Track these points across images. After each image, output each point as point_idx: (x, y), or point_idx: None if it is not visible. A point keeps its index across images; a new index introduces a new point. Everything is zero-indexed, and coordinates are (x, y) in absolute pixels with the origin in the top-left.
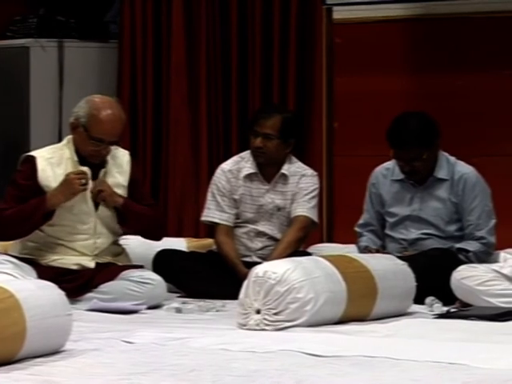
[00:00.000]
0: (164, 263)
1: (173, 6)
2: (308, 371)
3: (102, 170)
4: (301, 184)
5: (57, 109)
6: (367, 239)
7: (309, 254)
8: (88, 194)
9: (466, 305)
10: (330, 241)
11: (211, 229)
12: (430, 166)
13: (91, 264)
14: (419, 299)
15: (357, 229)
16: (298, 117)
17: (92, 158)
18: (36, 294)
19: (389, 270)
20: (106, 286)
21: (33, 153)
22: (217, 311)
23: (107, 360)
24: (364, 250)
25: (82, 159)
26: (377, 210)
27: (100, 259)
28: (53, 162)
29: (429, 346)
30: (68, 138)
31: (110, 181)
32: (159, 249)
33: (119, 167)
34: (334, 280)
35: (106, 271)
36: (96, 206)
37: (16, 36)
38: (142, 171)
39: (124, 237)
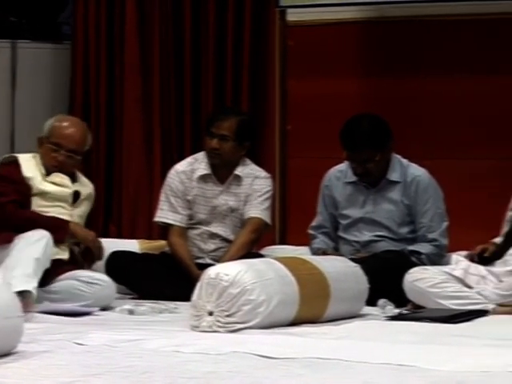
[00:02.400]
0: (117, 265)
1: (126, 6)
2: (260, 373)
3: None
4: (254, 186)
5: (9, 110)
6: (320, 241)
7: (262, 256)
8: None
9: (418, 307)
10: (282, 243)
11: (164, 230)
12: (383, 169)
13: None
14: (371, 301)
15: (310, 231)
16: (253, 119)
17: (53, 167)
18: None
19: (341, 271)
20: (55, 286)
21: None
22: (170, 313)
23: (59, 362)
24: (317, 251)
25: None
26: (330, 212)
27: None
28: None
29: (381, 347)
30: (33, 155)
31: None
32: (112, 250)
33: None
34: (287, 282)
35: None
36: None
37: None
38: (95, 172)
39: None
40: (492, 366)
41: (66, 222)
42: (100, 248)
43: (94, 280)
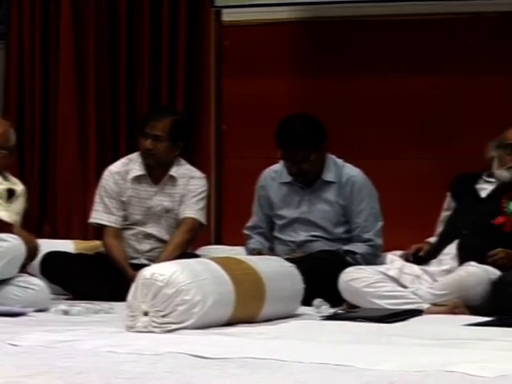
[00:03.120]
0: (51, 265)
1: (61, 6)
2: (196, 373)
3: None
4: (189, 186)
5: None
6: (256, 241)
7: (197, 256)
8: None
9: (353, 306)
10: (218, 243)
11: (99, 231)
12: (318, 169)
13: None
14: (307, 301)
15: (245, 231)
16: (187, 119)
17: None
18: None
19: (277, 271)
20: None
21: None
22: (105, 313)
23: None
24: (252, 252)
25: None
26: (265, 213)
27: None
28: None
29: (316, 347)
30: None
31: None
32: (47, 250)
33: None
34: (222, 282)
35: None
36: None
37: None
38: (29, 171)
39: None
40: (426, 365)
41: (10, 224)
42: (36, 249)
43: (28, 285)
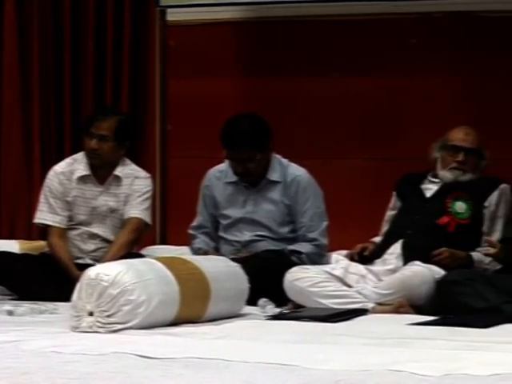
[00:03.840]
0: None
1: (5, 4)
2: (140, 373)
3: None
4: (134, 186)
5: None
6: (201, 241)
7: (142, 256)
8: None
9: (298, 306)
10: (163, 243)
11: (44, 231)
12: (263, 168)
13: None
14: (252, 301)
15: (190, 231)
16: (132, 119)
17: None
18: None
19: (222, 271)
20: None
21: None
22: (50, 314)
23: None
24: (197, 251)
25: None
26: (210, 212)
27: None
28: None
29: (261, 347)
30: None
31: None
32: None
33: None
34: (167, 282)
35: None
36: None
37: None
38: None
39: None
40: (371, 364)
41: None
42: None
43: None
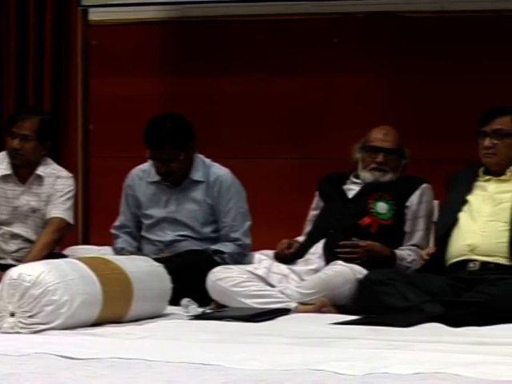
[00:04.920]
0: None
1: None
2: (63, 374)
3: None
4: (56, 185)
5: None
6: (123, 241)
7: (64, 256)
8: None
9: (221, 306)
10: (85, 243)
11: None
12: (186, 168)
13: None
14: (175, 301)
15: (113, 231)
16: (55, 119)
17: None
18: None
19: (144, 271)
20: None
21: None
22: None
23: None
24: (120, 251)
25: None
26: (133, 212)
27: None
28: None
29: (184, 347)
30: None
31: None
32: None
33: None
34: (90, 282)
35: None
36: None
37: None
38: None
39: None
40: (294, 364)
41: None
42: None
43: None
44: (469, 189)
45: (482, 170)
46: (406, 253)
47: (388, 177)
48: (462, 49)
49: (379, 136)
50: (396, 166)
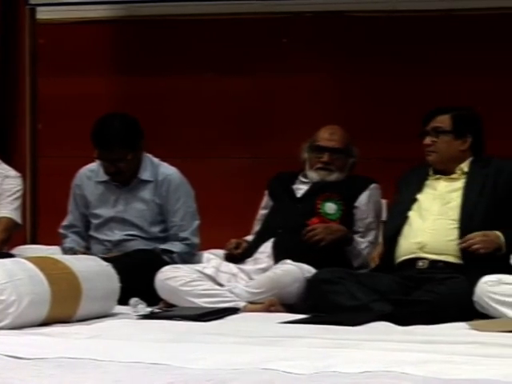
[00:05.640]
0: None
1: None
2: (10, 374)
3: None
4: (4, 185)
5: None
6: (71, 240)
7: (12, 256)
8: None
9: (170, 305)
10: (34, 242)
11: None
12: (134, 168)
13: None
14: (124, 300)
15: (61, 230)
16: (2, 118)
17: None
18: None
19: (93, 271)
20: None
21: None
22: None
23: None
24: (68, 251)
25: None
26: (81, 212)
27: None
28: None
29: (132, 346)
30: None
31: None
32: None
33: None
34: (38, 281)
35: None
36: None
37: None
38: None
39: None
40: (242, 363)
41: None
42: None
43: None
44: (419, 188)
45: (432, 168)
46: (360, 240)
47: (334, 176)
48: (412, 48)
49: (325, 135)
50: (343, 166)
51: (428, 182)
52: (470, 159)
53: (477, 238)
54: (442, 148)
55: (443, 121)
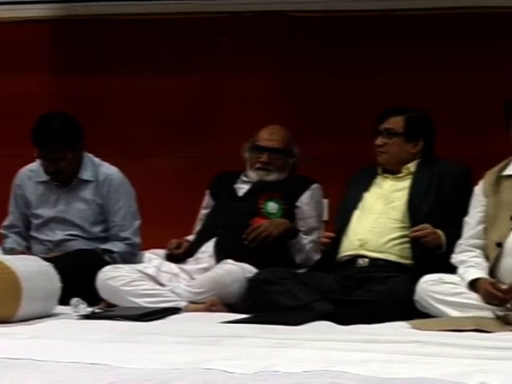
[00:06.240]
0: None
1: None
2: None
3: None
4: None
5: None
6: (12, 241)
7: None
8: None
9: (111, 305)
10: None
11: None
12: (75, 167)
13: None
14: (64, 300)
15: (1, 230)
16: None
17: None
18: None
19: (34, 271)
20: None
21: None
22: None
23: None
24: (9, 251)
25: None
26: (22, 212)
27: None
28: None
29: (74, 346)
30: None
31: None
32: None
33: None
34: None
35: None
36: None
37: None
38: None
39: None
40: (183, 363)
41: None
42: None
43: None
44: (367, 186)
45: (381, 167)
46: (303, 236)
47: (273, 176)
48: (350, 48)
49: (265, 136)
50: (282, 166)
51: (376, 181)
52: (418, 160)
53: (428, 228)
54: (393, 150)
55: (396, 122)
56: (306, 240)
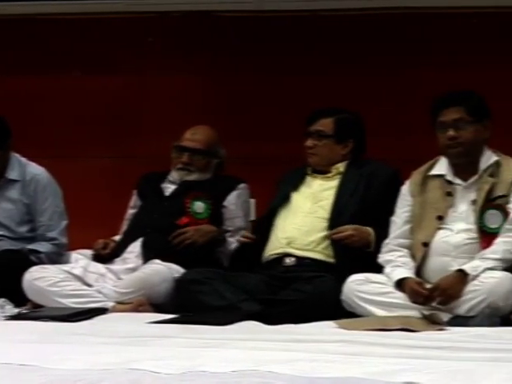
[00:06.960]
0: None
1: None
2: None
3: None
4: None
5: None
6: None
7: None
8: None
9: (37, 306)
10: None
11: None
12: (2, 167)
13: None
14: None
15: None
16: None
17: None
18: None
19: None
20: None
21: None
22: None
23: None
24: None
25: None
26: None
27: None
28: None
29: (0, 347)
30: None
31: None
32: None
33: None
34: None
35: None
36: None
37: None
38: None
39: None
40: (111, 363)
41: None
42: None
43: None
44: (296, 186)
45: (310, 168)
46: (230, 240)
47: (194, 176)
48: (278, 48)
49: (187, 136)
50: (204, 166)
51: (305, 181)
52: (348, 160)
53: (348, 230)
54: (322, 152)
55: (326, 124)
56: (234, 244)
